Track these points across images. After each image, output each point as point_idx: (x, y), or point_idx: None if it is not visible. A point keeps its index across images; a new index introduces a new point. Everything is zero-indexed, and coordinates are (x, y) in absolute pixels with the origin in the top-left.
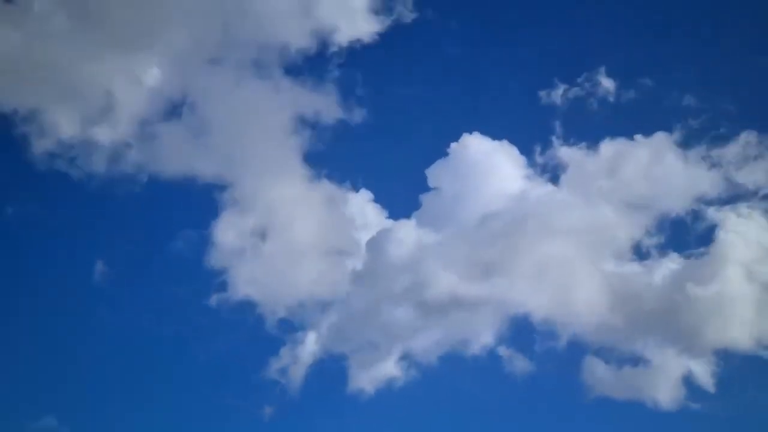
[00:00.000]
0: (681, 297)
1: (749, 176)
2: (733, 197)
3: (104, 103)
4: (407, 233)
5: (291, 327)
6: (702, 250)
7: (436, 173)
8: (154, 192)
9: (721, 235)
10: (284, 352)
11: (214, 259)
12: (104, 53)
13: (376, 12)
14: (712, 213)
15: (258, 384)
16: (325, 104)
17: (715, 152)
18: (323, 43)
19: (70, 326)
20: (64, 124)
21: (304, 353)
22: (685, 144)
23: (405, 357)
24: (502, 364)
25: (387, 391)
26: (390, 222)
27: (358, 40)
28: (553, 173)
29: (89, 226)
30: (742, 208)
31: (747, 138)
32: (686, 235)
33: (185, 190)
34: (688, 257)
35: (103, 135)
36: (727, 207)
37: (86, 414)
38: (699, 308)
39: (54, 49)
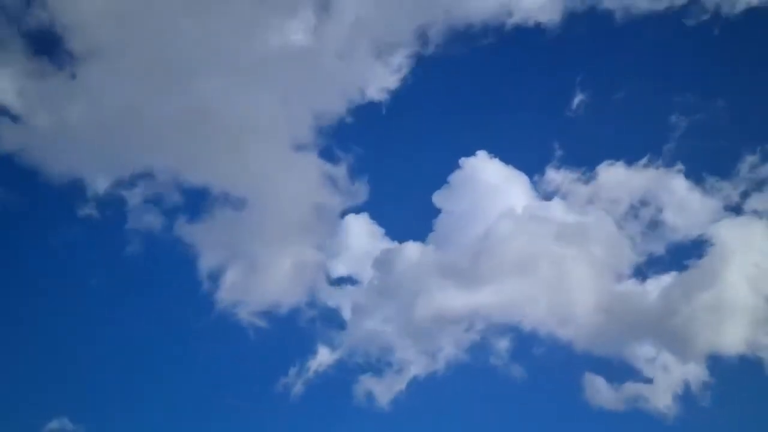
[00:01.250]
0: (678, 310)
1: (743, 187)
2: (729, 210)
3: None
4: (408, 254)
5: (298, 339)
6: (698, 262)
7: (441, 196)
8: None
9: (716, 247)
10: (291, 367)
11: (214, 264)
12: None
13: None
14: (709, 228)
15: (263, 394)
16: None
17: (713, 171)
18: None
19: (72, 328)
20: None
21: (311, 368)
22: (683, 160)
23: (405, 370)
24: (504, 377)
25: (390, 404)
26: (390, 243)
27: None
28: (552, 193)
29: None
30: (738, 220)
31: (745, 153)
32: (683, 249)
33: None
34: (684, 270)
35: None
36: (724, 220)
37: (98, 414)
38: (696, 319)
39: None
